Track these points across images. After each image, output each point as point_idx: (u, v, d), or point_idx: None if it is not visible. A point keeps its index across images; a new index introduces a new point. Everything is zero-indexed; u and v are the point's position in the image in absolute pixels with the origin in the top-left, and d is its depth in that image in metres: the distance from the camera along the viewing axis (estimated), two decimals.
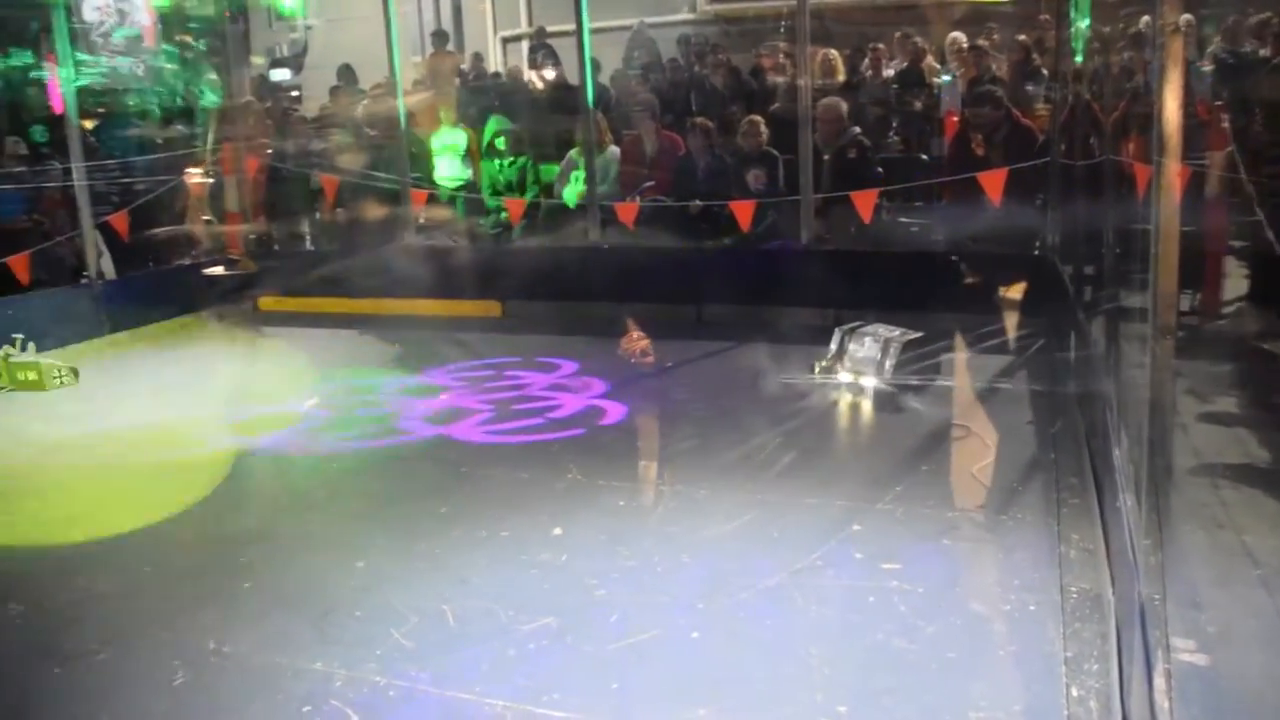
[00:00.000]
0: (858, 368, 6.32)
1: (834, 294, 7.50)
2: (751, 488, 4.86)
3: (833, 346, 6.48)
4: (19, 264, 7.85)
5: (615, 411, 6.10)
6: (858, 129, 8.36)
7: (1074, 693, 3.06)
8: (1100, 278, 5.56)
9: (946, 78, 9.33)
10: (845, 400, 6.17)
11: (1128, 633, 2.87)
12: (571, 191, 9.01)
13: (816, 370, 6.41)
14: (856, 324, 6.53)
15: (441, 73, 11.06)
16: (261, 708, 3.26)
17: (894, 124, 9.35)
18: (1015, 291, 6.94)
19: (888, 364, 6.21)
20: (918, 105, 9.32)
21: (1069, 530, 4.15)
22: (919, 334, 6.36)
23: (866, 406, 6.09)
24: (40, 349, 7.59)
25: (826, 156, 8.13)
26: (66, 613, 3.97)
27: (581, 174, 8.80)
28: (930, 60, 9.71)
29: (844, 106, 8.35)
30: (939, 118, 9.10)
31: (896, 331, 6.36)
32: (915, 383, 6.15)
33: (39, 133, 9.25)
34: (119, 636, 3.75)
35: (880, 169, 8.20)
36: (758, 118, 8.49)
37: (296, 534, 4.63)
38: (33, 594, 4.15)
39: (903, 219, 8.48)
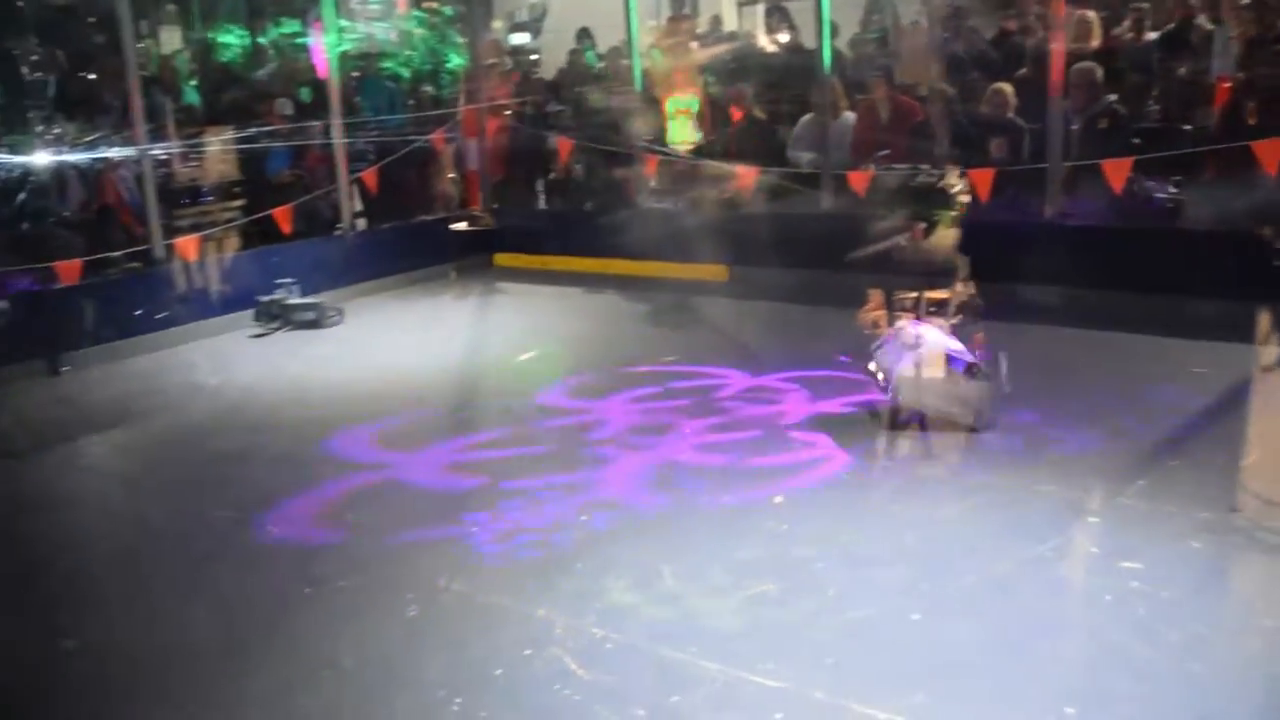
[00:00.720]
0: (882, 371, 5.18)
1: (1078, 271, 7.06)
2: (981, 470, 4.67)
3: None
4: (283, 215, 8.48)
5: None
6: (1113, 96, 7.80)
7: None
8: None
9: (1220, 38, 8.52)
10: None
11: None
12: (802, 156, 8.87)
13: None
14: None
15: (677, 36, 11.08)
16: (485, 647, 3.42)
17: (1154, 90, 8.65)
18: None
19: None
20: (1182, 70, 8.58)
21: None
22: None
23: None
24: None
25: (1075, 125, 7.63)
26: (316, 543, 4.29)
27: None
28: (1201, 19, 8.90)
29: (1098, 72, 7.80)
30: (1208, 83, 8.35)
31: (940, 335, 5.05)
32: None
33: (305, 94, 9.91)
34: (359, 568, 4.02)
35: (1136, 139, 7.62)
36: (1004, 85, 8.06)
37: (521, 486, 4.79)
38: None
39: (1159, 195, 7.85)
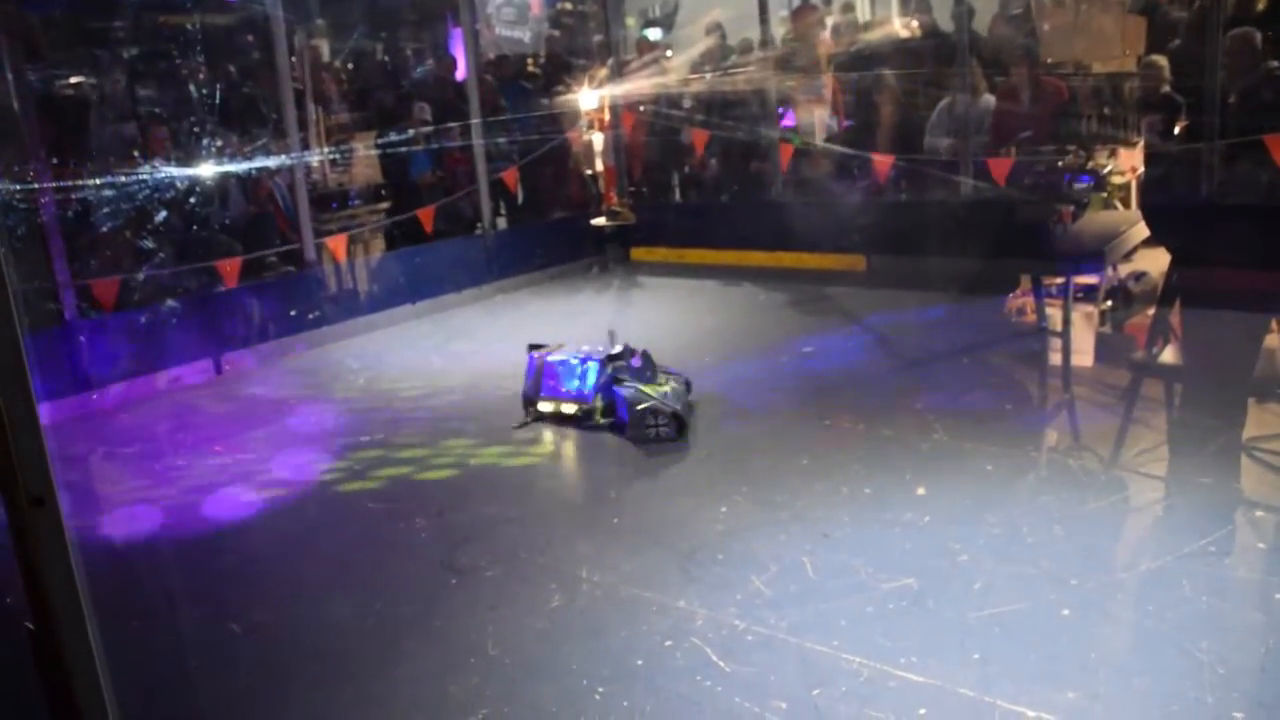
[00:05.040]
0: None
1: (1239, 256, 6.69)
2: (1135, 460, 4.49)
3: None
4: (425, 216, 8.75)
5: None
6: (1276, 63, 7.34)
7: None
8: None
9: None
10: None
11: None
12: (940, 142, 8.66)
13: None
14: None
15: (808, 26, 10.95)
16: (626, 637, 3.47)
17: None
18: None
19: None
20: None
21: None
22: None
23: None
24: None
25: (1233, 97, 7.22)
26: (462, 532, 4.43)
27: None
28: None
29: (1258, 37, 7.35)
30: None
31: None
32: None
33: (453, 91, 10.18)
34: (504, 558, 4.13)
35: None
36: (1158, 57, 7.69)
37: (663, 477, 4.85)
38: (435, 512, 4.65)
39: None
